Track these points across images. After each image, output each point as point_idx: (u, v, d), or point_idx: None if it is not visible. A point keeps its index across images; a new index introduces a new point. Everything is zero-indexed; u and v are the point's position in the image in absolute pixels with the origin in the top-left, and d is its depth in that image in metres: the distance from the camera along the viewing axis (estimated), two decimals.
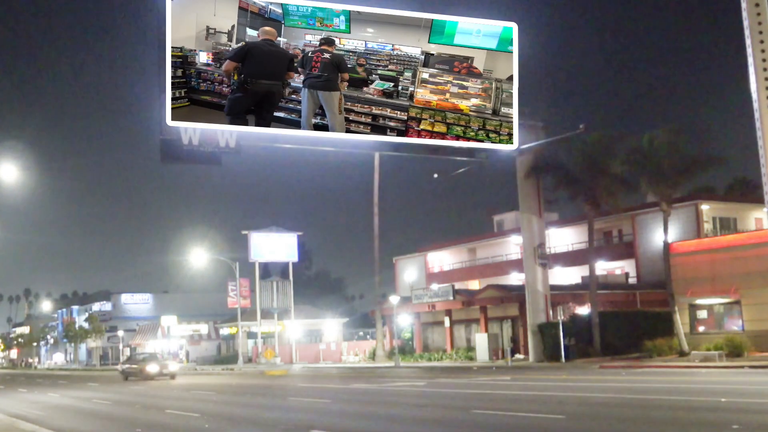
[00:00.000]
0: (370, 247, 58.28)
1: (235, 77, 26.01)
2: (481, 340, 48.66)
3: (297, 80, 27.34)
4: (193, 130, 30.43)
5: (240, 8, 27.42)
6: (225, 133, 31.10)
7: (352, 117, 29.20)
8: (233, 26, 27.37)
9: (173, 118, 27.90)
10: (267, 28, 26.26)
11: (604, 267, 53.06)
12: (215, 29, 27.42)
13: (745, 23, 8.30)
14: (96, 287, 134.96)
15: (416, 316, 57.14)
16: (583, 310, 44.69)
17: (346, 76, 27.77)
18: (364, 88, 29.50)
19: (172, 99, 27.51)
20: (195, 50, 27.47)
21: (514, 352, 45.21)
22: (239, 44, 26.57)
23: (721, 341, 36.26)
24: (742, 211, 51.76)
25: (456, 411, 18.78)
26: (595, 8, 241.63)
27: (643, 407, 17.45)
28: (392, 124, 30.35)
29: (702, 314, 41.61)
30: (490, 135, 31.80)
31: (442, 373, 38.23)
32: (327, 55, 26.88)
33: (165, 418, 20.33)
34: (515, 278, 55.89)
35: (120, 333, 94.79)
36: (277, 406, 22.70)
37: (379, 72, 29.67)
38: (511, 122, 32.03)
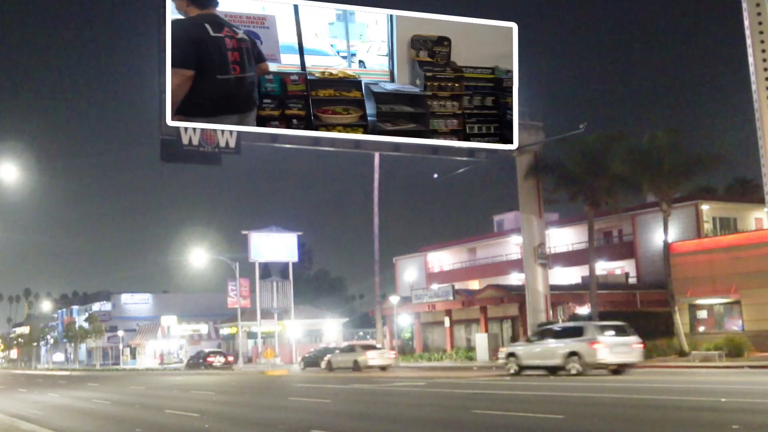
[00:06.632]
0: (370, 247, 58.20)
1: None
2: (481, 340, 48.65)
3: None
4: (193, 130, 30.36)
5: None
6: (225, 133, 31.04)
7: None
8: None
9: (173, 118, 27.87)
10: None
11: (604, 267, 53.03)
12: None
13: (746, 23, 8.31)
14: (96, 287, 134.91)
15: (416, 316, 57.11)
16: (583, 310, 44.67)
17: None
18: None
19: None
20: None
21: None
22: None
23: (721, 341, 36.25)
24: (742, 211, 51.72)
25: (456, 411, 18.76)
26: (595, 8, 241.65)
27: (643, 407, 17.44)
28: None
29: (702, 314, 41.63)
30: None
31: (442, 373, 38.19)
32: None
33: (165, 418, 20.30)
34: (515, 278, 55.88)
35: (120, 333, 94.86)
36: (277, 406, 22.68)
37: None
38: None
